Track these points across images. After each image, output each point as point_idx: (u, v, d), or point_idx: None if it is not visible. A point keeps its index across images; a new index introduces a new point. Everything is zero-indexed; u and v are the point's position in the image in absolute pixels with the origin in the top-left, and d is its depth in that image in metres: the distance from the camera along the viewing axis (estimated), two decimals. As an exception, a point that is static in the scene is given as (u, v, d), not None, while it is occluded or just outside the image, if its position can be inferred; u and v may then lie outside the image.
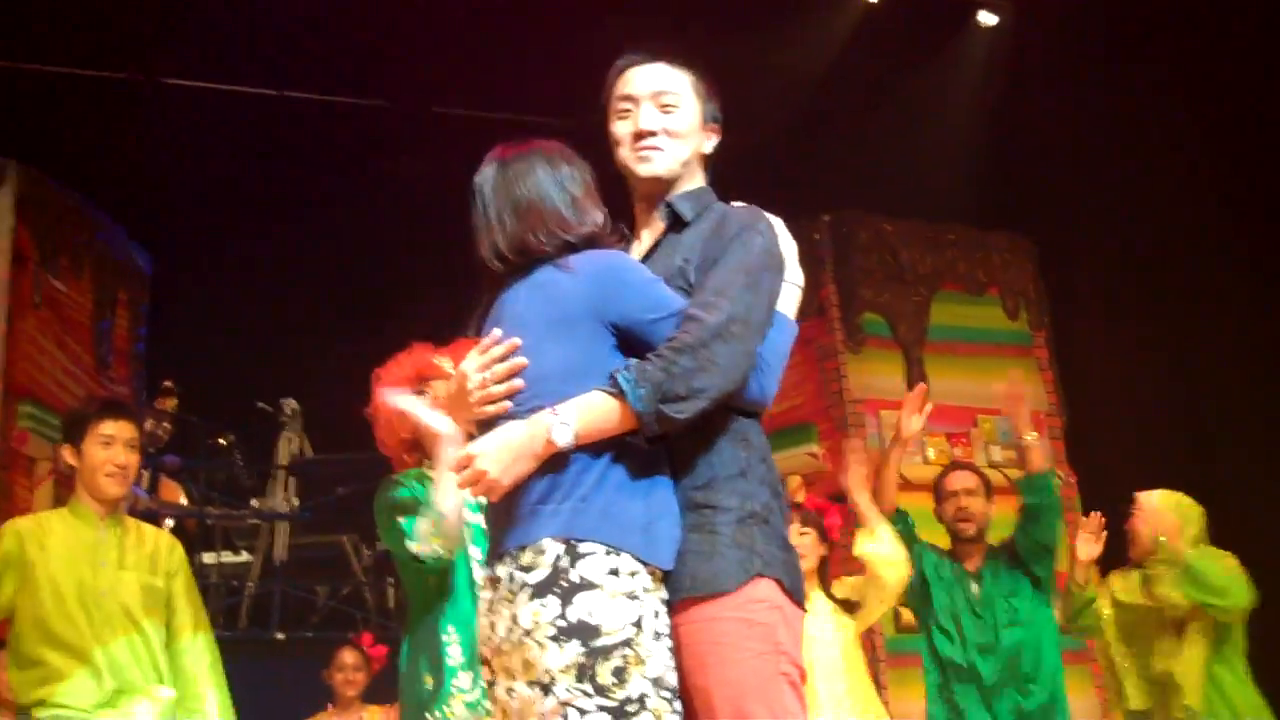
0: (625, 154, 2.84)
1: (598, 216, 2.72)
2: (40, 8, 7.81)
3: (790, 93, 8.84)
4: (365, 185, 8.95)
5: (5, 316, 6.32)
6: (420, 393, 3.95)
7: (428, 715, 3.75)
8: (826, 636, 4.95)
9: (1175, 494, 5.55)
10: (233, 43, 8.33)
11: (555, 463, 2.51)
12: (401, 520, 3.77)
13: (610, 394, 2.49)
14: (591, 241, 2.67)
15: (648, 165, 2.81)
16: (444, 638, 3.78)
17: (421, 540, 3.68)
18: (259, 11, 8.06)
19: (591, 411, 2.50)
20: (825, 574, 5.14)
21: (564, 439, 2.47)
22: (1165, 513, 5.46)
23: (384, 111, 9.20)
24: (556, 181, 2.71)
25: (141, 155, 8.50)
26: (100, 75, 8.51)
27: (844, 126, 8.86)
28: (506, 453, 2.49)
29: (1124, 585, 5.56)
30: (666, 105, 2.82)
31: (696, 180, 2.87)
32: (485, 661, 2.59)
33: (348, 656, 6.49)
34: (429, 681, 3.76)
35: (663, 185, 2.83)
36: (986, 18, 8.93)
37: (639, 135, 2.82)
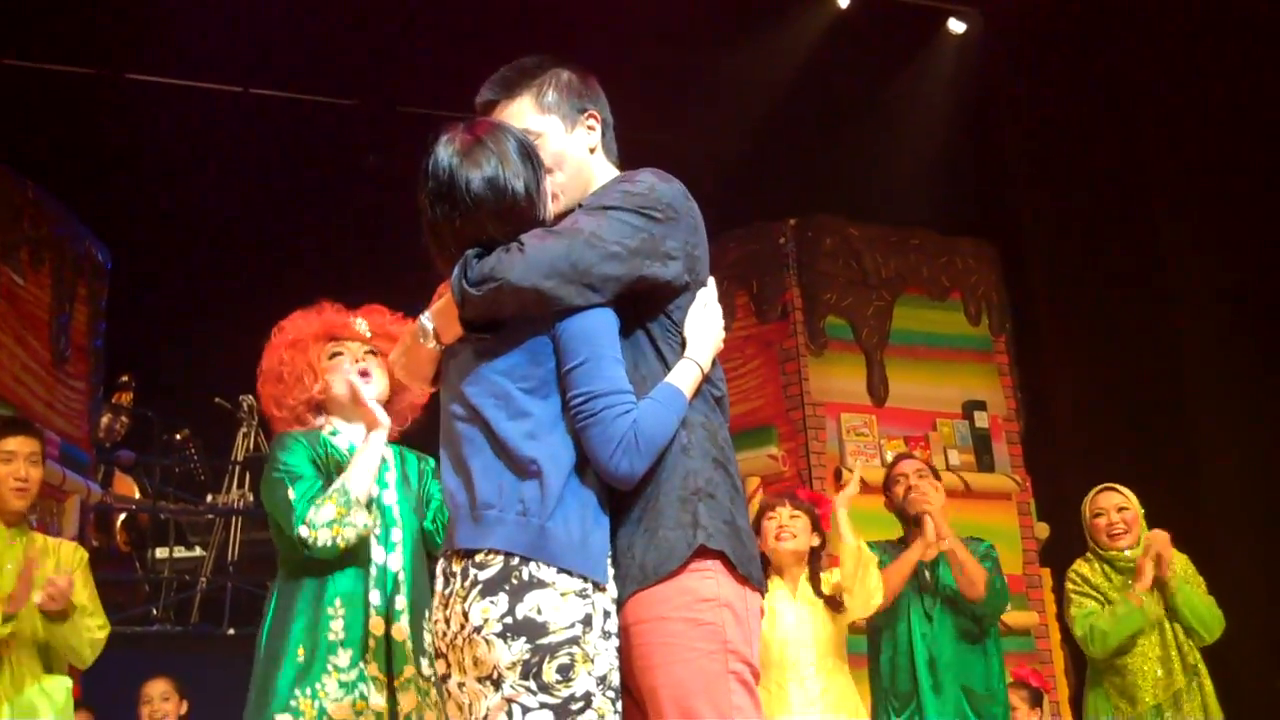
0: None
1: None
2: (5, 1, 7.75)
3: (758, 97, 8.87)
4: (329, 184, 8.93)
5: (-39, 311, 6.27)
6: (336, 354, 3.77)
7: (296, 692, 3.46)
8: (804, 636, 4.85)
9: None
10: (198, 39, 8.28)
11: (498, 470, 2.54)
12: (292, 493, 3.50)
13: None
14: None
15: (555, 207, 2.74)
16: (329, 610, 3.51)
17: (319, 526, 3.44)
18: (225, 8, 8.03)
19: (442, 304, 2.63)
20: (816, 566, 5.02)
21: (428, 342, 2.67)
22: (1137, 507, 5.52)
23: (349, 110, 9.17)
24: (531, 184, 2.61)
25: (104, 150, 8.46)
26: (64, 70, 8.46)
27: (811, 131, 8.90)
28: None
29: (1103, 581, 5.46)
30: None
31: (607, 173, 2.81)
32: (440, 655, 2.58)
33: (154, 688, 6.37)
34: (300, 654, 3.48)
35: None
36: (956, 25, 8.98)
37: None
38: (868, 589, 4.92)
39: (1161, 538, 5.29)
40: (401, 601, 3.57)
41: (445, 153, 2.62)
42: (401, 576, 3.60)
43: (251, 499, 8.76)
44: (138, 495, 8.66)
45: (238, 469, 8.93)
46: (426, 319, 2.64)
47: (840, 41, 8.72)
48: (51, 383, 6.78)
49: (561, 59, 2.83)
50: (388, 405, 3.74)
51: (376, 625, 3.52)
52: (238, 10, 8.02)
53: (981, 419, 7.54)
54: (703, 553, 2.53)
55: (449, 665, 2.56)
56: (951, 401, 7.55)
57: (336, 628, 3.50)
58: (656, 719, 2.52)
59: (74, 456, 6.75)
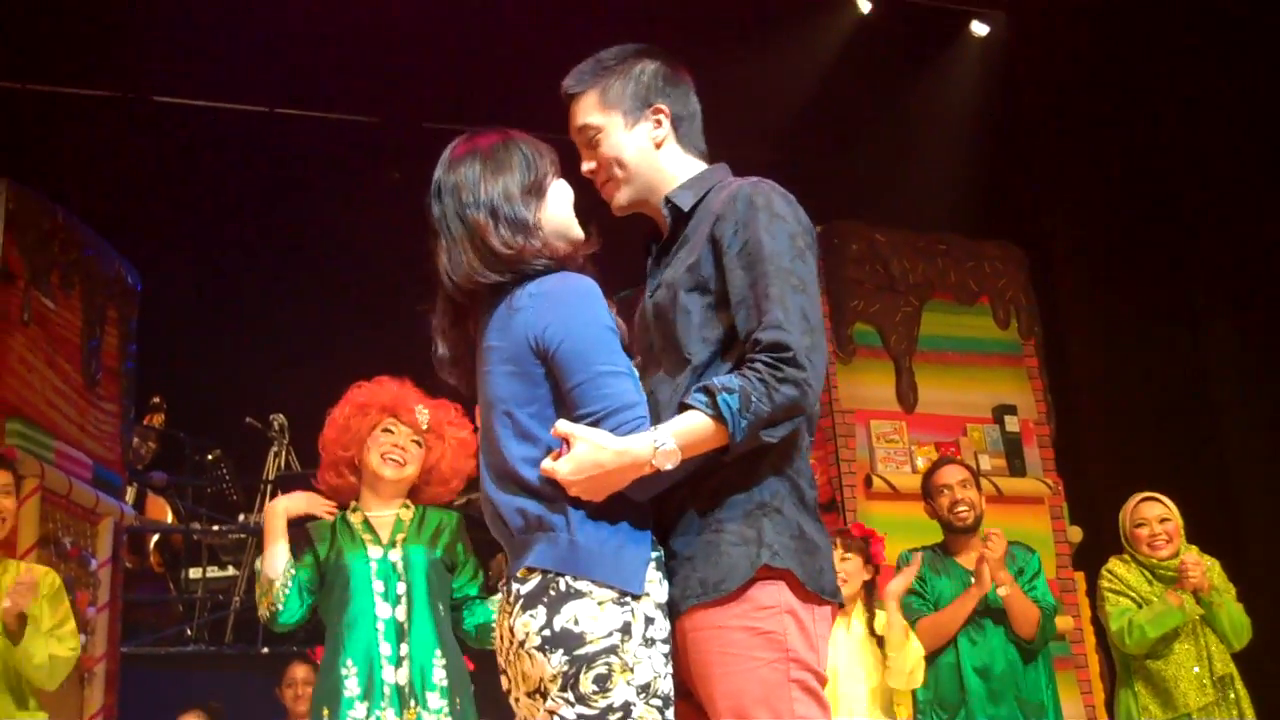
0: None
1: (560, 230, 2.67)
2: (32, 26, 7.81)
3: (781, 104, 8.86)
4: (355, 201, 8.95)
5: (-7, 335, 6.31)
6: (386, 430, 4.23)
7: None
8: (857, 673, 4.80)
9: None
10: (224, 60, 8.34)
11: (513, 491, 2.54)
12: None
13: (710, 416, 2.42)
14: (561, 264, 2.61)
15: (612, 205, 2.77)
16: (343, 671, 4.03)
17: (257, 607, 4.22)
18: (250, 29, 8.07)
19: (693, 435, 2.44)
20: (871, 598, 4.98)
21: (669, 464, 2.43)
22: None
23: (374, 128, 9.20)
24: (498, 199, 2.63)
25: (132, 172, 8.51)
26: (91, 93, 8.52)
27: (835, 137, 8.88)
28: (599, 479, 2.43)
29: (1142, 584, 5.42)
30: (591, 140, 2.76)
31: (685, 166, 2.78)
32: (501, 671, 2.61)
33: (298, 671, 6.44)
34: (325, 712, 4.02)
35: (647, 205, 2.79)
36: (979, 28, 8.95)
37: (591, 181, 2.80)
38: (908, 663, 4.85)
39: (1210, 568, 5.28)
40: (405, 648, 4.09)
41: (443, 158, 2.71)
42: (407, 626, 4.12)
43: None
44: (170, 516, 8.70)
45: (269, 488, 8.95)
46: (674, 459, 2.44)
47: (863, 46, 8.71)
48: (84, 405, 6.81)
49: (647, 49, 2.83)
50: (415, 491, 4.34)
51: (389, 674, 4.05)
52: (262, 31, 8.06)
53: (1012, 423, 7.48)
54: (766, 573, 2.48)
55: (509, 681, 2.58)
56: (982, 406, 7.49)
57: (351, 685, 4.02)
58: None
59: (107, 479, 6.78)
